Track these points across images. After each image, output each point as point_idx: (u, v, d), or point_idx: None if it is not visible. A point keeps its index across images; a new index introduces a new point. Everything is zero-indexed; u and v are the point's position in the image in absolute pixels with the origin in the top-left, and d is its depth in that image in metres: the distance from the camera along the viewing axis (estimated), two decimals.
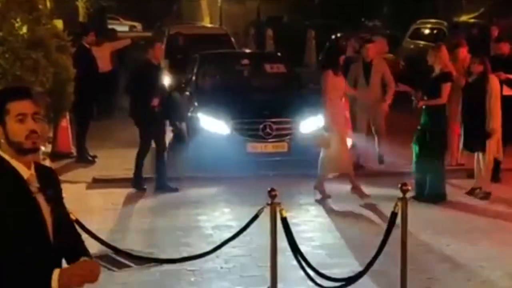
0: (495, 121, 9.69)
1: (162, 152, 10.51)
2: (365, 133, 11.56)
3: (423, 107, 9.74)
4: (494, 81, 9.76)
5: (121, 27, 39.15)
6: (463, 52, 11.20)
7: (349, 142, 10.36)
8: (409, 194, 6.39)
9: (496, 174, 10.57)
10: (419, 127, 9.87)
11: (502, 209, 9.59)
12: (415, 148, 9.86)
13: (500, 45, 11.43)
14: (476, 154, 10.02)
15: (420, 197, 9.68)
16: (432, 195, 9.74)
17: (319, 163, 10.00)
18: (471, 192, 10.09)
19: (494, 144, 9.79)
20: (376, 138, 11.66)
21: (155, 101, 10.18)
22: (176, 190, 10.48)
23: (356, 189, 10.11)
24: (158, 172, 10.61)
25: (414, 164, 9.92)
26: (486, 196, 9.94)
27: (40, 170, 3.56)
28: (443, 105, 9.81)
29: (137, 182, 10.57)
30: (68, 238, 3.59)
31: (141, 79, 10.37)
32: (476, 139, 9.86)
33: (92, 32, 13.43)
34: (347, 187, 10.26)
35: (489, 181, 10.08)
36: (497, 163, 10.36)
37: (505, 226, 8.93)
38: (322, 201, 9.92)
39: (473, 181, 10.20)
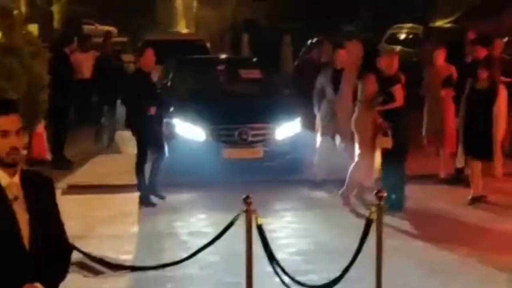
0: (500, 131, 9.73)
1: (160, 160, 10.35)
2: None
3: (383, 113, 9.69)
4: (502, 90, 9.75)
5: (96, 32, 38.97)
6: (440, 60, 11.21)
7: None
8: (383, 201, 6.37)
9: (460, 179, 10.68)
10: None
11: (481, 215, 9.62)
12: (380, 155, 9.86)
13: (477, 49, 11.49)
14: (474, 161, 9.96)
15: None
16: (392, 203, 9.39)
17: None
18: (472, 202, 9.96)
19: (500, 153, 9.79)
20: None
21: (152, 110, 9.98)
22: (163, 198, 10.40)
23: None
24: (151, 179, 10.41)
25: (381, 172, 9.87)
26: (488, 203, 9.95)
27: (28, 177, 3.54)
28: (402, 109, 9.77)
29: (145, 198, 10.20)
30: (48, 248, 3.56)
31: (134, 88, 10.15)
32: (483, 146, 9.80)
33: (75, 41, 13.45)
34: (322, 193, 10.29)
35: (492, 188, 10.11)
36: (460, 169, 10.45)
37: (484, 231, 8.95)
38: (298, 207, 9.91)
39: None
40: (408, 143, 9.93)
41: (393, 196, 9.44)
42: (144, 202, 10.16)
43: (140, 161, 10.23)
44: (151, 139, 10.17)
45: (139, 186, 10.27)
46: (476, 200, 9.97)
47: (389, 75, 9.73)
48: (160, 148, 10.28)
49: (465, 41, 13.38)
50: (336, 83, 10.54)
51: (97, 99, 14.77)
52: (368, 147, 9.64)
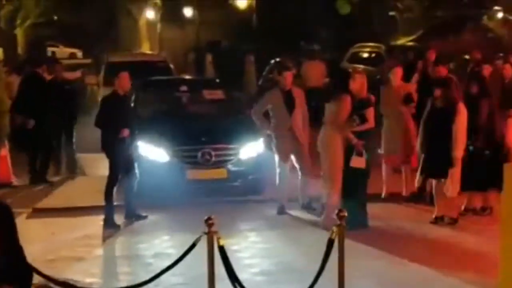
0: (460, 149, 9.73)
1: (132, 182, 10.41)
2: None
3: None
4: (462, 108, 9.77)
5: (61, 54, 38.87)
6: (398, 78, 11.34)
7: None
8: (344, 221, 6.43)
9: (422, 197, 10.82)
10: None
11: (444, 233, 9.71)
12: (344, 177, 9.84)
13: (438, 69, 11.66)
14: (434, 181, 10.05)
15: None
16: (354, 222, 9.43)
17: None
18: (435, 221, 10.03)
19: (458, 172, 9.80)
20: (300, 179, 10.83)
21: (125, 132, 10.12)
22: (145, 217, 10.45)
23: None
24: (128, 201, 10.51)
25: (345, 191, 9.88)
26: (454, 222, 9.98)
27: None
28: (370, 130, 9.92)
29: (109, 220, 10.22)
30: (7, 272, 3.56)
31: (109, 111, 10.27)
32: (439, 165, 9.85)
33: (45, 64, 13.41)
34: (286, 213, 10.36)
35: (455, 207, 10.14)
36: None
37: (446, 249, 9.03)
38: (262, 228, 9.94)
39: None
40: (370, 162, 10.04)
41: (357, 214, 9.50)
42: (108, 224, 10.14)
43: (112, 183, 10.31)
44: (124, 162, 10.25)
45: (107, 208, 10.26)
46: (440, 219, 10.06)
47: (361, 97, 9.84)
48: (132, 170, 10.38)
49: (425, 60, 13.54)
50: (288, 105, 10.61)
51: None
52: (339, 167, 9.66)
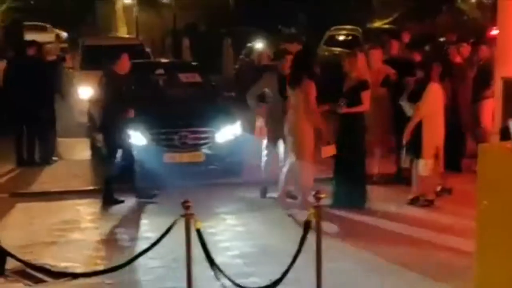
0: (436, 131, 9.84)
1: (131, 161, 10.52)
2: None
3: (342, 115, 9.87)
4: (431, 89, 9.83)
5: (48, 36, 38.38)
6: (376, 60, 11.34)
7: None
8: (326, 202, 6.45)
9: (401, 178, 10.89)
10: (338, 135, 9.98)
11: (422, 213, 9.79)
12: (337, 158, 9.94)
13: (412, 53, 11.70)
14: (413, 161, 10.10)
15: (339, 204, 9.79)
16: (354, 201, 9.89)
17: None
18: (412, 202, 10.12)
19: (431, 151, 9.87)
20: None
21: (131, 112, 10.33)
22: (122, 201, 10.45)
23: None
24: (133, 181, 10.60)
25: (335, 172, 10.03)
26: (429, 203, 10.06)
27: None
28: (362, 113, 9.98)
29: (108, 197, 10.35)
30: None
31: (110, 91, 10.42)
32: (412, 144, 9.96)
33: (34, 46, 13.30)
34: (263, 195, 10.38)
35: (433, 188, 10.20)
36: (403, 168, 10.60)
37: (422, 230, 9.07)
38: (239, 210, 9.94)
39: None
40: (365, 145, 10.14)
41: (354, 193, 9.84)
42: (111, 202, 10.31)
43: (109, 164, 10.46)
44: (124, 143, 10.42)
45: (108, 187, 10.41)
46: (416, 200, 10.12)
47: (359, 79, 9.88)
48: (130, 151, 10.52)
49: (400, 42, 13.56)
50: (282, 90, 10.27)
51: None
52: (310, 150, 9.65)
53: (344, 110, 9.85)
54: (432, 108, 9.82)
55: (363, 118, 10.02)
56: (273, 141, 10.45)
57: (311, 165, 9.69)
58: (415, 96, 9.91)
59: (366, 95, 9.88)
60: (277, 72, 10.47)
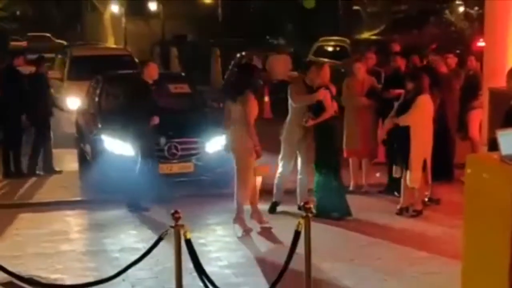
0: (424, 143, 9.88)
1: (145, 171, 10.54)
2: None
3: (314, 128, 9.89)
4: (421, 100, 9.84)
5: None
6: (362, 71, 11.38)
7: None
8: (312, 212, 6.45)
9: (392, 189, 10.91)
10: (315, 146, 10.00)
11: (408, 223, 9.80)
12: (314, 167, 10.03)
13: (396, 59, 11.75)
14: (402, 173, 10.06)
15: (322, 215, 9.72)
16: (334, 211, 9.89)
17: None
18: (400, 212, 10.13)
19: (419, 163, 9.87)
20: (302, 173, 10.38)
21: (156, 120, 10.47)
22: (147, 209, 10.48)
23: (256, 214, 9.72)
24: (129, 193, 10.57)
25: (315, 183, 10.04)
26: (417, 213, 10.06)
27: None
28: (329, 120, 9.89)
29: (134, 203, 10.42)
30: None
31: (138, 99, 10.58)
32: (401, 156, 9.96)
33: (21, 56, 13.29)
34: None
35: (421, 198, 10.21)
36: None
37: (409, 239, 9.11)
38: (229, 221, 9.89)
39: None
40: (337, 151, 10.20)
41: (334, 205, 9.89)
42: (134, 208, 10.34)
43: (143, 170, 10.46)
44: (151, 149, 10.58)
45: (133, 193, 10.45)
46: (405, 210, 10.14)
47: (319, 86, 9.88)
48: (150, 159, 10.59)
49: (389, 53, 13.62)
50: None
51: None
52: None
53: (310, 123, 9.84)
54: (420, 119, 9.85)
55: (332, 126, 9.97)
56: (289, 154, 10.23)
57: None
58: (405, 108, 9.94)
59: (326, 99, 9.80)
60: (304, 82, 10.26)
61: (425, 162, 9.94)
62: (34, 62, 13.31)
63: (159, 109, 10.70)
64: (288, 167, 10.24)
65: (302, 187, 10.33)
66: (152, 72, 10.80)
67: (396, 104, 10.30)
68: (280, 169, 10.30)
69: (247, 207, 9.56)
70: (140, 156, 10.50)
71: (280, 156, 10.30)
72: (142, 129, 10.47)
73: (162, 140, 11.05)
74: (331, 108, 9.92)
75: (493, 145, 6.10)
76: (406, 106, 9.94)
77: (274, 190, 10.35)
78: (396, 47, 13.65)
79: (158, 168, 10.95)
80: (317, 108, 9.90)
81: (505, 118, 7.61)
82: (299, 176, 10.34)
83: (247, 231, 9.36)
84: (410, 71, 11.25)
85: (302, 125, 10.01)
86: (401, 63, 11.62)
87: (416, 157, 9.84)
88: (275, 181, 10.33)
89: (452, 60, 12.49)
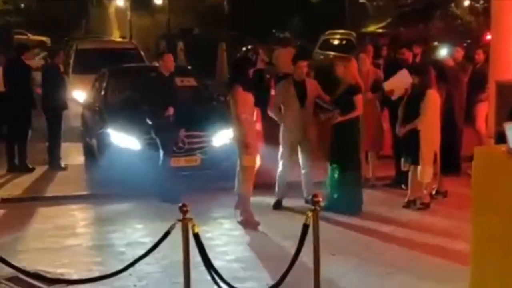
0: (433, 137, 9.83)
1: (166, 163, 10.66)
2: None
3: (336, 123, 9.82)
4: (431, 96, 9.80)
5: (30, 42, 38.27)
6: (366, 64, 11.31)
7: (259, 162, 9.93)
8: (320, 206, 6.40)
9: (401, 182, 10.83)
10: (333, 141, 9.92)
11: (418, 216, 9.78)
12: (331, 162, 9.95)
13: (403, 52, 11.67)
14: (411, 166, 10.05)
15: (334, 209, 9.68)
16: (349, 206, 9.81)
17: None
18: (408, 205, 10.11)
19: (430, 157, 9.85)
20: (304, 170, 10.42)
21: (170, 110, 10.51)
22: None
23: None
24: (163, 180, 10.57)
25: (330, 178, 9.96)
26: (425, 206, 10.04)
27: None
28: (357, 117, 9.95)
29: (169, 195, 10.23)
30: None
31: (154, 90, 10.70)
32: (410, 150, 9.94)
33: (28, 49, 13.31)
34: (263, 199, 10.28)
35: (428, 192, 10.17)
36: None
37: (417, 232, 9.08)
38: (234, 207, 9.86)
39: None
40: (359, 147, 10.16)
41: (348, 199, 9.80)
42: (167, 199, 10.12)
43: (165, 163, 10.61)
44: (170, 142, 10.63)
45: (163, 186, 10.47)
46: (412, 203, 10.09)
47: (351, 84, 9.85)
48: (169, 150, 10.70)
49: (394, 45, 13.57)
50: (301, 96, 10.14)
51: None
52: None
53: (339, 119, 9.79)
54: (430, 115, 9.80)
55: (356, 123, 9.98)
56: (290, 149, 10.26)
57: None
58: (413, 102, 9.87)
59: (358, 99, 9.85)
60: (293, 79, 10.32)
61: (435, 155, 9.91)
62: (50, 54, 13.34)
63: (176, 101, 10.72)
64: (288, 165, 10.26)
65: (307, 181, 10.31)
66: (167, 63, 10.85)
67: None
68: (280, 168, 10.29)
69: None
70: (162, 149, 10.55)
71: (279, 155, 10.29)
72: (163, 122, 10.50)
73: (182, 132, 11.00)
74: (361, 107, 9.85)
75: (500, 138, 6.06)
76: (414, 101, 9.87)
77: (276, 189, 10.36)
78: (385, 41, 13.59)
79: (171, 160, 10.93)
80: (346, 105, 9.78)
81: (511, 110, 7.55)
82: (302, 171, 10.34)
83: (255, 225, 9.33)
84: (415, 64, 11.19)
85: (305, 121, 9.97)
86: (408, 55, 11.56)
87: (426, 152, 9.80)
88: (277, 178, 10.33)
89: (459, 53, 12.43)
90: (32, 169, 12.56)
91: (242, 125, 9.37)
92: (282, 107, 10.26)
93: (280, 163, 10.29)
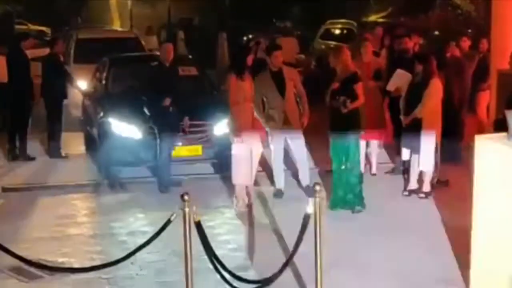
0: (420, 111, 9.74)
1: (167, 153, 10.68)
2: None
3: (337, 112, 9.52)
4: (434, 85, 9.74)
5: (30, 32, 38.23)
6: (368, 54, 11.25)
7: (259, 149, 9.92)
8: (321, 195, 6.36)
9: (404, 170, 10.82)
10: (336, 133, 9.55)
11: (419, 205, 9.78)
12: (338, 155, 9.53)
13: (405, 41, 11.61)
14: (412, 155, 10.02)
15: (339, 206, 9.48)
16: (354, 203, 9.47)
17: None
18: (409, 194, 10.07)
19: (432, 146, 9.80)
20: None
21: (167, 101, 10.46)
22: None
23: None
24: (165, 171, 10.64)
25: (337, 173, 9.55)
26: (426, 195, 10.02)
27: None
28: (357, 107, 9.80)
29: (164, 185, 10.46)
30: None
31: (152, 80, 10.75)
32: (410, 139, 9.89)
33: (30, 37, 13.28)
34: (261, 188, 10.31)
35: (429, 181, 10.12)
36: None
37: (419, 220, 9.09)
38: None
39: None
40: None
41: (352, 195, 9.46)
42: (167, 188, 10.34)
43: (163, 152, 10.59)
44: (168, 131, 10.55)
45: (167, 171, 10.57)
46: (414, 193, 10.10)
47: (349, 72, 9.55)
48: (170, 141, 10.67)
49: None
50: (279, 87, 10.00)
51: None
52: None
53: (350, 107, 9.40)
54: (433, 104, 9.78)
55: (358, 113, 9.69)
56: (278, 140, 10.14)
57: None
58: (416, 90, 9.84)
59: (359, 88, 9.54)
60: (269, 70, 10.14)
61: (436, 145, 9.89)
62: (48, 43, 13.28)
63: (176, 91, 10.69)
64: (281, 154, 10.17)
65: (303, 171, 10.21)
66: (163, 53, 10.87)
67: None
68: (273, 158, 10.22)
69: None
70: (159, 138, 10.57)
71: (269, 143, 10.21)
72: (161, 112, 10.49)
73: (186, 121, 10.96)
74: (362, 95, 9.58)
75: (498, 125, 6.07)
76: (417, 90, 9.83)
77: (275, 178, 10.33)
78: (399, 31, 13.54)
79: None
80: (352, 94, 9.46)
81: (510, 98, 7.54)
82: (297, 164, 10.28)
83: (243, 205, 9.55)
84: (418, 53, 11.15)
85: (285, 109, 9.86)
86: (409, 45, 11.52)
87: (428, 141, 9.78)
88: (273, 167, 10.31)
89: (466, 43, 12.40)
90: (33, 159, 12.56)
91: (232, 113, 9.50)
92: (265, 100, 10.09)
93: (274, 159, 10.18)
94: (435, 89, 9.79)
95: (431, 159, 9.90)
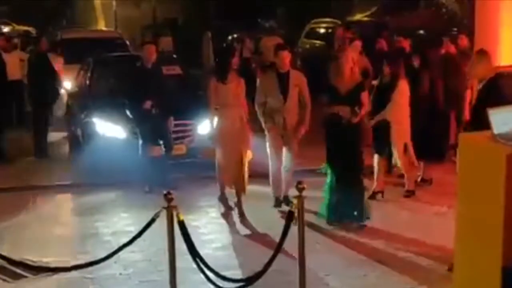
0: (384, 115, 9.68)
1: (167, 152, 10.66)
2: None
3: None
4: (401, 88, 9.67)
5: (14, 32, 38.08)
6: (356, 53, 11.25)
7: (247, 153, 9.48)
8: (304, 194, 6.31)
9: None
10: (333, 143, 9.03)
11: (403, 204, 9.81)
12: (335, 168, 8.95)
13: (400, 40, 11.65)
14: (377, 156, 9.98)
15: (336, 219, 8.91)
16: (363, 214, 8.90)
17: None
18: (373, 196, 9.80)
19: (401, 148, 9.80)
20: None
21: (147, 104, 10.34)
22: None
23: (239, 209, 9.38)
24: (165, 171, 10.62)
25: (332, 185, 8.92)
26: (410, 194, 10.06)
27: None
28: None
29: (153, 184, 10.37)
30: None
31: (133, 82, 10.61)
32: (377, 141, 9.90)
33: (2, 36, 13.20)
34: (258, 188, 10.23)
35: (412, 180, 10.18)
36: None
37: (402, 219, 9.11)
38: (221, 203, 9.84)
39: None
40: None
41: (355, 212, 8.89)
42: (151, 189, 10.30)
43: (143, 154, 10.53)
44: (150, 133, 10.46)
45: (148, 176, 10.48)
46: (380, 193, 10.02)
47: (355, 83, 8.94)
48: (165, 143, 10.61)
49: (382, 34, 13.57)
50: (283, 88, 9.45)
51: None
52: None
53: (361, 114, 8.97)
54: (400, 106, 9.75)
55: (362, 122, 9.27)
56: (275, 144, 9.59)
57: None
58: (385, 92, 9.79)
59: (365, 96, 9.07)
60: (275, 71, 9.60)
61: (405, 145, 9.86)
62: (33, 40, 13.22)
63: (158, 92, 10.54)
64: (278, 162, 9.61)
65: (287, 180, 9.61)
66: (145, 54, 10.71)
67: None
68: (270, 162, 9.68)
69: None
70: (141, 139, 10.51)
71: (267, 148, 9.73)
72: (142, 114, 10.42)
73: (171, 121, 10.79)
74: (367, 103, 9.17)
75: (473, 124, 6.13)
76: (385, 91, 9.76)
77: (271, 188, 9.78)
78: (348, 34, 13.63)
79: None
80: (358, 103, 8.95)
81: (482, 95, 7.53)
82: (283, 170, 9.61)
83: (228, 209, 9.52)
84: (389, 54, 11.15)
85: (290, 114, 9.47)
86: (405, 44, 11.53)
87: (398, 143, 9.77)
88: (270, 178, 9.70)
89: (464, 40, 12.41)
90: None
91: (210, 119, 9.52)
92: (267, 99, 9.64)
93: (270, 163, 9.67)
94: (402, 91, 9.71)
95: (403, 160, 9.91)
